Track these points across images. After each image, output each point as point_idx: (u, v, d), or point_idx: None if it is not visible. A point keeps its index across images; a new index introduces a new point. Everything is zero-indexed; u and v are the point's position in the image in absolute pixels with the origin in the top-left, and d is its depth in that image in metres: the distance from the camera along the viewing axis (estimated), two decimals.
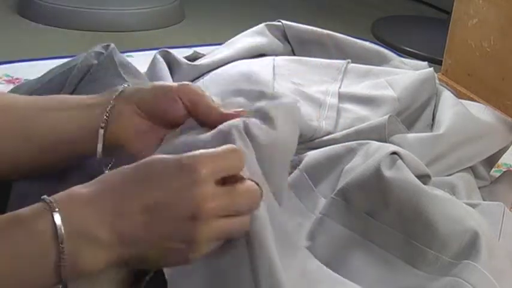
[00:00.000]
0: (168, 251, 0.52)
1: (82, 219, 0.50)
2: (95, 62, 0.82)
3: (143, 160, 0.53)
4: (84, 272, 0.51)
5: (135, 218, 0.51)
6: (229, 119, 0.63)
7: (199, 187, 0.51)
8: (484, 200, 0.98)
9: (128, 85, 0.67)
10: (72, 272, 0.50)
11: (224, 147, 0.55)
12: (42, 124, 0.65)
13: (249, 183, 0.55)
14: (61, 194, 0.51)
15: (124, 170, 0.53)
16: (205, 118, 0.64)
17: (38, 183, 0.67)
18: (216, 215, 0.52)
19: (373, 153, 0.84)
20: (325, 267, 0.69)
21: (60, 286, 0.51)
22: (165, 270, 0.57)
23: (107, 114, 0.64)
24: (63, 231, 0.49)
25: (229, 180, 0.54)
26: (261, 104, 0.68)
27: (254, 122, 0.63)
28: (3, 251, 0.49)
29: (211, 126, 0.63)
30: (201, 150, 0.54)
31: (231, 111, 0.64)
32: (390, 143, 0.94)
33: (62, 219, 0.49)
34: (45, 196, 0.51)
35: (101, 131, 0.63)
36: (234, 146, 0.56)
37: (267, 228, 0.57)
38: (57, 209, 0.49)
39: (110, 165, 0.67)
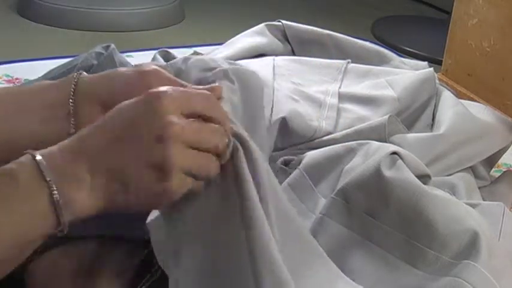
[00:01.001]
0: (144, 181, 0.53)
1: (64, 164, 0.52)
2: (95, 62, 0.82)
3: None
4: (80, 213, 0.52)
5: (109, 150, 0.53)
6: None
7: (164, 113, 0.53)
8: (484, 200, 0.98)
9: (80, 73, 0.66)
10: (68, 211, 0.51)
11: (197, 90, 0.58)
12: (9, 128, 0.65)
13: (213, 124, 0.57)
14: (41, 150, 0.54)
15: (96, 122, 0.56)
16: None
17: None
18: (183, 141, 0.54)
19: (373, 153, 0.84)
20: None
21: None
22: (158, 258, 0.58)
23: (73, 121, 0.64)
24: (47, 169, 0.51)
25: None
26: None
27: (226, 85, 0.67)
28: None
29: None
30: (172, 87, 0.56)
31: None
32: (390, 143, 0.94)
33: (44, 160, 0.51)
34: (27, 150, 0.53)
35: None
36: (206, 92, 0.58)
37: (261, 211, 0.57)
38: (38, 153, 0.52)
39: None
